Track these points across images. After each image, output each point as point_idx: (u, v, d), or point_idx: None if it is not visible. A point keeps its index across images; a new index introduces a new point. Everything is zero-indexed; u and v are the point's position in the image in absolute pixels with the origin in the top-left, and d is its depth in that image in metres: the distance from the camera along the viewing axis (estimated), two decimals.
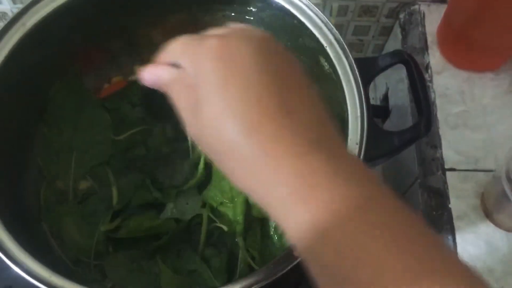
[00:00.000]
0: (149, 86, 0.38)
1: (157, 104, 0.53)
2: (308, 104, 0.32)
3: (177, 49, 0.36)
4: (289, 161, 0.29)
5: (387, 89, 0.89)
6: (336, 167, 0.29)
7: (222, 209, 0.62)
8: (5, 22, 0.56)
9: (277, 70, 0.32)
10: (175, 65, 0.36)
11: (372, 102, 0.66)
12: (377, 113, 0.88)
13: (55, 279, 0.46)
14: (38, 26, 0.57)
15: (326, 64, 0.57)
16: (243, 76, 0.31)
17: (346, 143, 0.51)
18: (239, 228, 0.60)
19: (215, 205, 0.62)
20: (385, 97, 0.90)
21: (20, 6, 0.83)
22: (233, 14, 0.66)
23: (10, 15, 0.86)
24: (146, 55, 0.71)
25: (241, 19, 0.66)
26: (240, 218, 0.61)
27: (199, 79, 0.33)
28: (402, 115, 0.81)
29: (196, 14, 0.66)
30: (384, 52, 0.93)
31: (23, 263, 0.47)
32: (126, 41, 0.70)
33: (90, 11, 0.62)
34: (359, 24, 0.88)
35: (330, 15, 0.85)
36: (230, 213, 0.61)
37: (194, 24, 0.69)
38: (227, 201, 0.62)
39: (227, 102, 0.31)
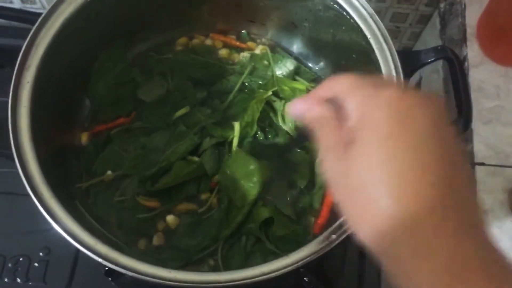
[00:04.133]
0: (294, 116, 0.37)
1: None
2: (468, 187, 0.30)
3: (346, 86, 0.33)
4: (437, 252, 0.28)
5: (420, 78, 0.89)
6: (487, 266, 0.28)
7: None
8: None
9: (445, 147, 0.30)
10: (330, 101, 0.34)
11: None
12: None
13: (100, 247, 0.48)
14: (87, 1, 0.59)
15: (370, 54, 0.58)
16: (414, 136, 0.29)
17: None
18: None
19: None
20: (418, 86, 0.90)
21: None
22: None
23: None
24: (196, 31, 0.75)
25: (287, 6, 0.67)
26: None
27: (362, 125, 0.31)
28: None
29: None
30: (419, 40, 0.93)
31: (69, 229, 0.49)
32: (174, 15, 0.72)
33: None
34: (398, 11, 0.88)
35: (370, 0, 0.85)
36: None
37: (238, 5, 0.70)
38: None
39: (387, 160, 0.29)
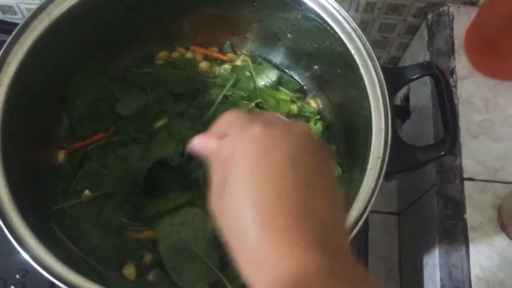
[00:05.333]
0: (195, 153, 0.39)
1: None
2: (327, 207, 0.32)
3: (227, 122, 0.37)
4: (289, 259, 0.29)
5: (409, 89, 0.88)
6: (334, 276, 0.29)
7: None
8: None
9: (308, 169, 0.33)
10: (222, 136, 0.36)
11: None
12: (397, 113, 0.87)
13: (72, 277, 0.46)
14: (64, 16, 0.57)
15: (354, 71, 0.56)
16: (273, 168, 0.32)
17: (368, 156, 0.51)
18: None
19: None
20: (406, 97, 0.89)
21: None
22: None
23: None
24: (177, 43, 0.74)
25: (270, 18, 0.65)
26: None
27: (232, 159, 0.33)
28: (422, 118, 0.80)
29: (225, 10, 0.66)
30: (408, 51, 0.92)
31: (40, 257, 0.47)
32: (155, 28, 0.70)
33: (115, 2, 0.61)
34: (385, 22, 0.86)
35: (356, 11, 0.84)
36: None
37: (220, 18, 0.69)
38: None
39: (250, 189, 0.31)
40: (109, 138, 0.67)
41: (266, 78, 0.71)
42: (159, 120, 0.68)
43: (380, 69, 0.54)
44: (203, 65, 0.73)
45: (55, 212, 0.60)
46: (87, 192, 0.63)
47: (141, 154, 0.66)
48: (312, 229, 0.30)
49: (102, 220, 0.63)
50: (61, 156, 0.66)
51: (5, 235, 0.50)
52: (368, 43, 0.55)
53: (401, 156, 0.52)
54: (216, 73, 0.73)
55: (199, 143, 0.38)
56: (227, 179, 0.33)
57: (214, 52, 0.75)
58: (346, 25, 0.56)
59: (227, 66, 0.73)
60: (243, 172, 0.32)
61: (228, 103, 0.70)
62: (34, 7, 0.85)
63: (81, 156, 0.66)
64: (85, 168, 0.64)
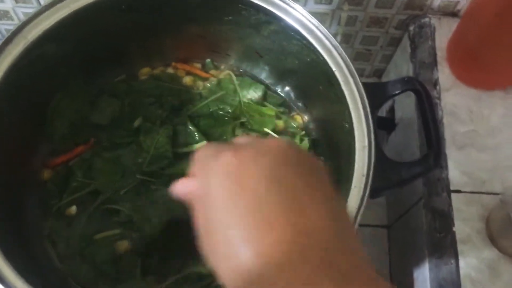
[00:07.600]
0: (178, 198, 0.37)
1: None
2: (327, 223, 0.29)
3: (197, 161, 0.35)
4: None
5: (394, 101, 0.88)
6: None
7: None
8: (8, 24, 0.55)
9: (296, 184, 0.30)
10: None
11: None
12: (382, 125, 0.87)
13: None
14: (40, 39, 0.56)
15: (335, 87, 0.56)
16: (252, 195, 0.29)
17: (352, 174, 0.50)
18: None
19: None
20: (391, 109, 0.89)
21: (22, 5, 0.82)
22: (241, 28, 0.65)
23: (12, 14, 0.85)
24: (158, 61, 0.73)
25: (250, 36, 0.64)
26: None
27: (208, 196, 0.31)
28: (408, 130, 0.80)
29: (206, 28, 0.65)
30: (391, 63, 0.91)
31: None
32: (136, 48, 0.70)
33: (93, 24, 0.60)
34: (368, 35, 0.86)
35: (339, 24, 0.84)
36: None
37: (202, 36, 0.68)
38: None
39: (232, 225, 0.29)
40: (91, 149, 0.67)
41: (252, 93, 0.71)
42: (135, 120, 0.68)
43: (361, 85, 0.54)
44: (187, 79, 0.73)
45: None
46: (73, 207, 0.63)
47: (132, 153, 0.66)
48: (312, 252, 0.27)
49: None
50: (46, 174, 0.65)
51: None
52: (349, 59, 0.55)
53: (385, 173, 0.52)
54: (201, 87, 0.73)
55: (179, 188, 0.36)
56: (210, 218, 0.31)
57: (196, 69, 0.74)
58: (326, 42, 0.56)
59: (212, 79, 0.73)
60: (223, 206, 0.30)
61: (213, 118, 0.69)
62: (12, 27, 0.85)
63: (65, 172, 0.65)
64: (73, 183, 0.64)
